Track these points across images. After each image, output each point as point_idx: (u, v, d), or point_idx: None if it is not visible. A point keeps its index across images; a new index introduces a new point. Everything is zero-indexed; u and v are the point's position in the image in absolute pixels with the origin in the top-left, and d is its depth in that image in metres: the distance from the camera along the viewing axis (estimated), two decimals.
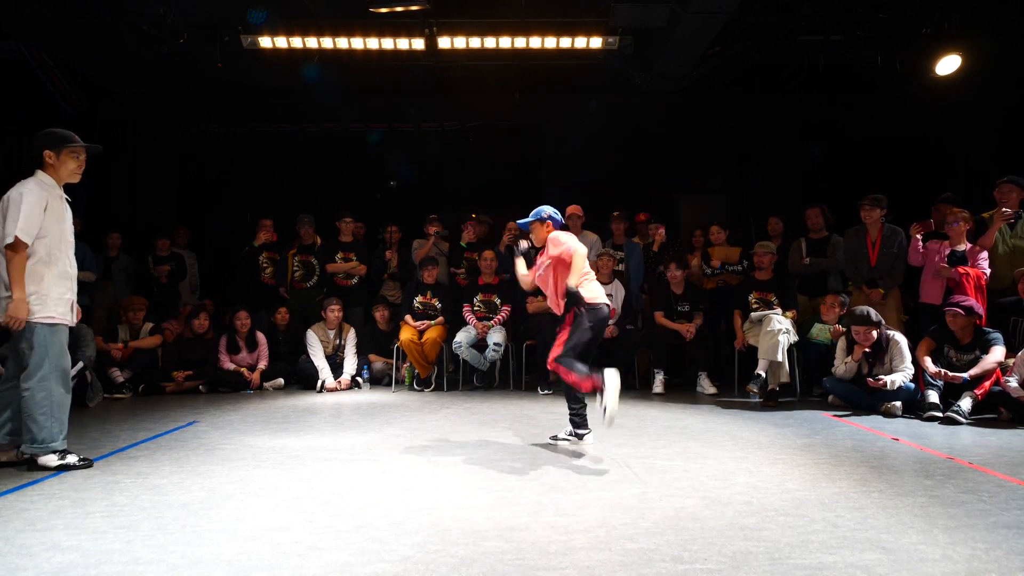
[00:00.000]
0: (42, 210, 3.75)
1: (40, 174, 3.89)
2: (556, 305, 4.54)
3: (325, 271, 7.71)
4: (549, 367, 4.33)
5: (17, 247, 3.68)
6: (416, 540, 2.73)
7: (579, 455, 4.15)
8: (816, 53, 7.89)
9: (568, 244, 4.37)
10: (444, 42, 7.51)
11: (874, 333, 5.49)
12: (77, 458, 3.85)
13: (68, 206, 4.02)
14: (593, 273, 4.57)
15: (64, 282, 3.87)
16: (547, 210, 4.62)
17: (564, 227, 4.74)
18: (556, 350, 4.26)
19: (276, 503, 3.23)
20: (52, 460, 3.77)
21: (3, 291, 3.73)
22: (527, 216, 4.66)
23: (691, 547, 2.63)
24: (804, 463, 3.92)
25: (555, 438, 4.49)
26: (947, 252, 5.95)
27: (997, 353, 5.26)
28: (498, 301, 7.07)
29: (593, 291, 4.35)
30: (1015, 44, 7.66)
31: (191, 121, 9.74)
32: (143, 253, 7.99)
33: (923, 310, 6.18)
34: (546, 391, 6.58)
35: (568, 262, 4.31)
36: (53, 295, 3.81)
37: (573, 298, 4.21)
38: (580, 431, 4.41)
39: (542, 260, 4.61)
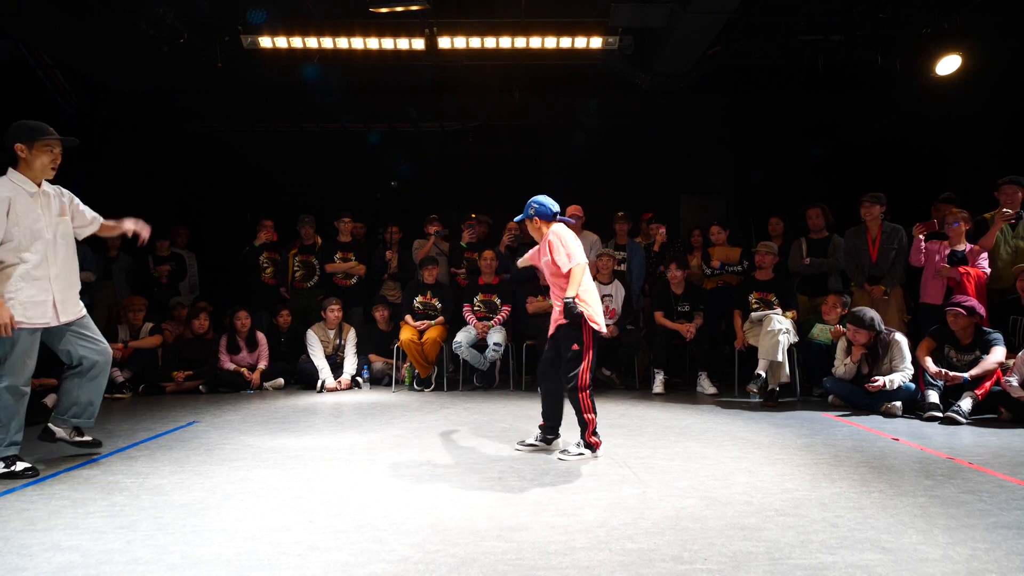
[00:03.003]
0: (4, 213, 3.63)
1: (11, 172, 3.76)
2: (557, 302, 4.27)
3: (325, 271, 7.71)
4: (580, 391, 4.05)
5: None
6: (416, 540, 2.73)
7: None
8: (816, 53, 7.89)
9: (560, 257, 4.09)
10: (444, 42, 7.51)
11: (865, 337, 5.49)
12: (24, 467, 3.70)
13: (54, 199, 3.89)
14: (593, 290, 4.28)
15: (37, 283, 3.74)
16: (532, 204, 4.30)
17: (555, 216, 4.31)
18: (584, 375, 4.07)
19: (276, 503, 3.23)
20: None
21: None
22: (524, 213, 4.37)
23: (691, 547, 2.63)
24: (804, 463, 3.92)
25: (524, 443, 4.39)
26: (947, 252, 5.95)
27: (998, 353, 5.26)
28: (498, 301, 7.07)
29: (596, 309, 4.17)
30: (1016, 44, 7.66)
31: (191, 121, 9.74)
32: (143, 253, 7.98)
33: (923, 310, 6.18)
34: None
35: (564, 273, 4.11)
36: (21, 297, 3.70)
37: (571, 311, 4.02)
38: (550, 436, 4.36)
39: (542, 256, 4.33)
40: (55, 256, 3.84)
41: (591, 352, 4.12)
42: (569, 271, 4.08)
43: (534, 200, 4.31)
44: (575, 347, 4.09)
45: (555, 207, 4.32)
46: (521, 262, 4.86)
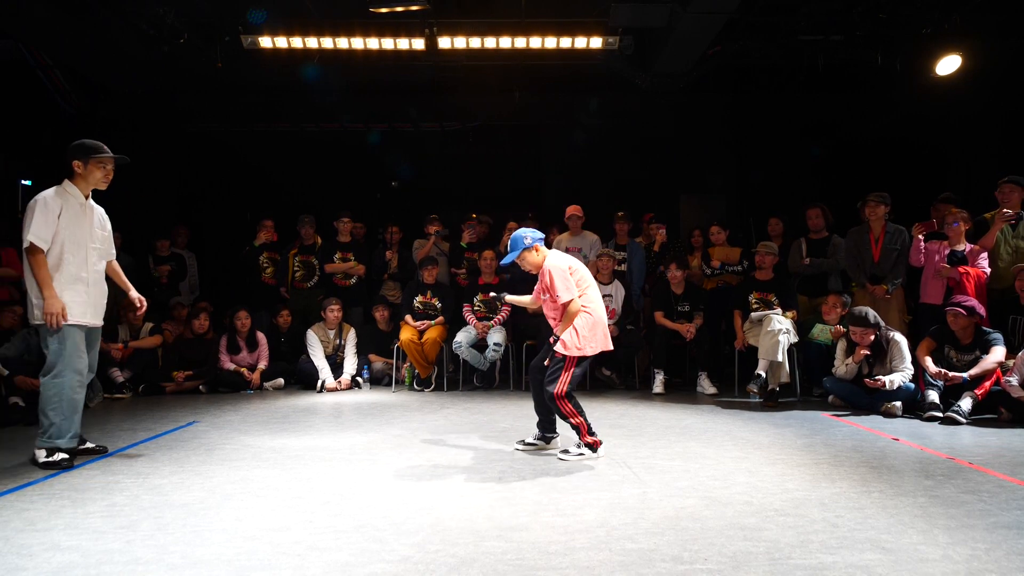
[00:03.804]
0: (55, 217, 3.96)
1: (66, 183, 4.10)
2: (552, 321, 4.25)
3: (325, 271, 7.71)
4: (556, 399, 4.00)
5: (33, 252, 3.90)
6: (416, 540, 2.73)
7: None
8: (816, 53, 7.89)
9: (559, 290, 4.03)
10: (444, 42, 7.51)
11: (871, 335, 5.50)
12: (60, 457, 3.90)
13: (95, 213, 4.23)
14: (599, 306, 4.20)
15: (76, 285, 4.03)
16: (526, 235, 4.20)
17: (543, 239, 4.29)
18: (562, 385, 4.01)
19: (276, 503, 3.23)
20: (42, 456, 3.88)
21: (32, 297, 3.97)
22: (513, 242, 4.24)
23: (691, 547, 2.63)
24: (804, 463, 3.92)
25: (523, 443, 4.39)
26: (947, 252, 5.95)
27: (997, 353, 5.26)
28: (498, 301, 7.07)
29: (595, 335, 4.11)
30: (1016, 44, 7.66)
31: (191, 121, 9.74)
32: (143, 253, 7.99)
33: (923, 310, 6.18)
34: None
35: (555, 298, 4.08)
36: (64, 297, 3.96)
37: (551, 352, 4.05)
38: (548, 434, 4.36)
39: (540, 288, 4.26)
40: (91, 265, 4.14)
41: (574, 367, 4.05)
42: (566, 305, 4.06)
43: (518, 234, 4.21)
44: (559, 355, 4.06)
45: (537, 232, 4.25)
46: (519, 300, 4.65)
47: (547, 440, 4.35)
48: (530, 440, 4.37)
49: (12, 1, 6.61)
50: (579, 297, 4.10)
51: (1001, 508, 3.06)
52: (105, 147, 4.15)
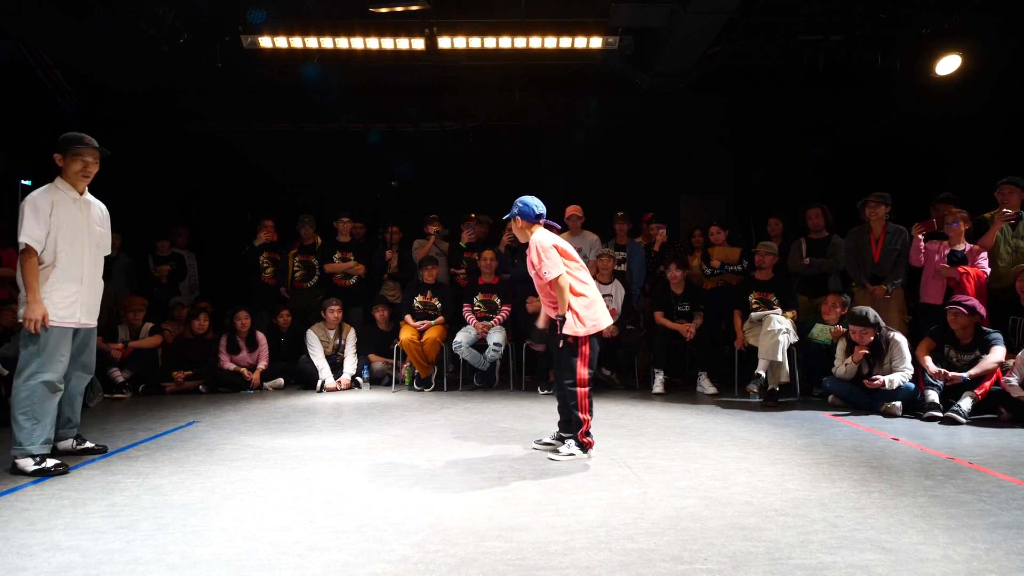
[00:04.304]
0: (47, 216, 3.87)
1: (57, 179, 4.01)
2: (550, 310, 4.27)
3: (325, 271, 7.71)
4: (578, 386, 4.06)
5: (27, 252, 3.83)
6: (416, 540, 2.73)
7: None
8: (816, 53, 7.89)
9: (546, 266, 4.04)
10: (444, 42, 7.51)
11: (871, 335, 5.50)
12: (54, 463, 3.78)
13: (94, 208, 4.12)
14: (592, 287, 4.25)
15: (69, 283, 3.93)
16: (518, 204, 4.26)
17: (539, 218, 4.26)
18: (581, 370, 4.06)
19: (276, 503, 3.23)
20: (29, 465, 3.73)
21: (20, 297, 3.89)
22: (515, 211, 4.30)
23: (691, 547, 2.63)
24: (804, 463, 3.92)
25: (540, 442, 4.40)
26: (947, 252, 5.96)
27: (997, 353, 5.26)
28: (498, 301, 7.07)
29: (595, 313, 4.13)
30: (1016, 44, 7.66)
31: (191, 121, 9.74)
32: (143, 253, 7.99)
33: (923, 310, 6.18)
34: (546, 391, 6.58)
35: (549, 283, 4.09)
36: (55, 298, 3.87)
37: (564, 338, 4.05)
38: (567, 435, 4.33)
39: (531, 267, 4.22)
40: (88, 262, 4.04)
41: (587, 348, 4.10)
42: (554, 282, 4.06)
43: (520, 200, 4.29)
44: (570, 339, 4.07)
45: (539, 208, 4.26)
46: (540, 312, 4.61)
47: (561, 440, 4.32)
48: (546, 440, 4.37)
49: (12, 1, 6.61)
50: (572, 279, 4.13)
51: (1001, 508, 3.06)
52: (87, 138, 4.01)
